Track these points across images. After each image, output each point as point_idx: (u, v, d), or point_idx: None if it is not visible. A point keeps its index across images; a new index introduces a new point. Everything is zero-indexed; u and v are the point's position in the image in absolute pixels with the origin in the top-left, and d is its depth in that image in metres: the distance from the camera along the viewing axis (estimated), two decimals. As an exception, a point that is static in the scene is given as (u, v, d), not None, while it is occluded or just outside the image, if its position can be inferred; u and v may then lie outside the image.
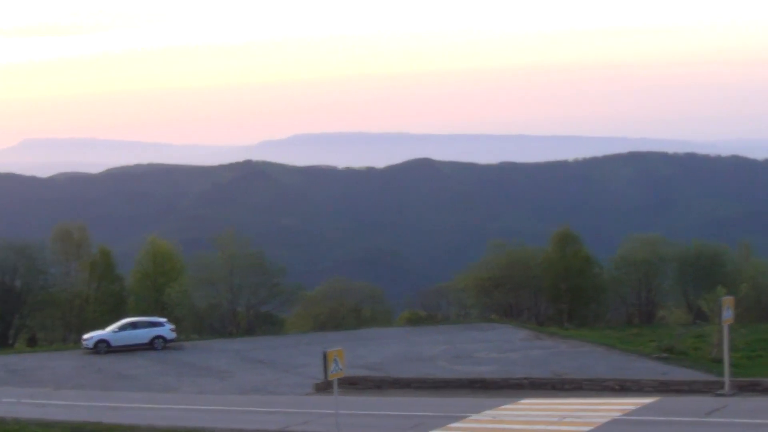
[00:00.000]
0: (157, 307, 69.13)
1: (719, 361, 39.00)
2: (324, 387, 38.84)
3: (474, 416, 30.65)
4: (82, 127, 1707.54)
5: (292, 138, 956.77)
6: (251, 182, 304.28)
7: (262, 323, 73.14)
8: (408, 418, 30.96)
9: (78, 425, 32.14)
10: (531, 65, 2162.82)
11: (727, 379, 33.44)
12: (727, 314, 33.01)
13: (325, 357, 26.31)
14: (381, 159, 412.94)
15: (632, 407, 30.77)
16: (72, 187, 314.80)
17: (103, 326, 61.70)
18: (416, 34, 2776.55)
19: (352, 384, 39.72)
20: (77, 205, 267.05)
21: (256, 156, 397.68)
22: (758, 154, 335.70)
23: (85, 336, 59.08)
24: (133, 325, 59.05)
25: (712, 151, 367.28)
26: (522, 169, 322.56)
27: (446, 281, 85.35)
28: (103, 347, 57.26)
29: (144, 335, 58.29)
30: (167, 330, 58.78)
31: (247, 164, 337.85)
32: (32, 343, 73.43)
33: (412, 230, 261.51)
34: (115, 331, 58.42)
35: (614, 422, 28.53)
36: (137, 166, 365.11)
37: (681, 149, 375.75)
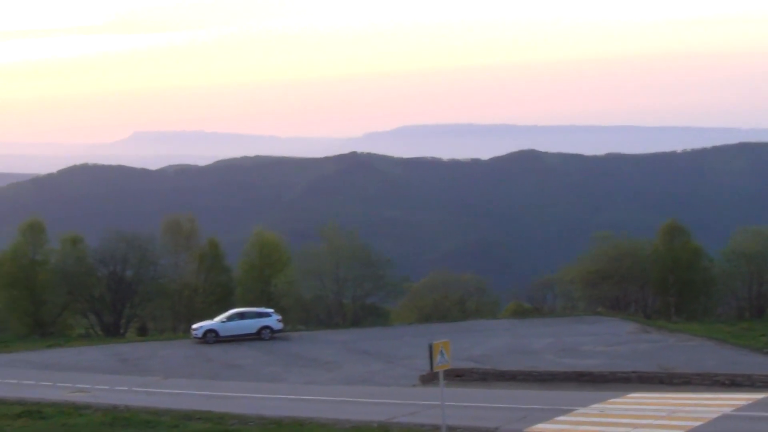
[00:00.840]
0: (264, 297, 69.91)
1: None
2: (430, 378, 38.88)
3: (581, 410, 30.38)
4: (190, 120, 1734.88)
5: (398, 130, 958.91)
6: (356, 174, 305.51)
7: (367, 315, 73.48)
8: (514, 411, 30.81)
9: (188, 413, 32.63)
10: (639, 54, 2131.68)
11: (842, 375, 32.63)
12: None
13: (431, 349, 26.30)
14: (486, 150, 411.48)
15: (744, 402, 30.19)
16: (181, 179, 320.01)
17: (211, 316, 62.65)
18: (524, 23, 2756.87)
19: (458, 376, 39.71)
20: (186, 196, 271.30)
21: (362, 148, 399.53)
22: None
23: (194, 326, 60.05)
24: (241, 316, 59.82)
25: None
26: (629, 161, 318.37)
27: (552, 273, 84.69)
28: (211, 337, 58.14)
29: (252, 326, 59.02)
30: (274, 321, 59.43)
31: (353, 156, 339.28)
32: (143, 333, 74.96)
33: (517, 222, 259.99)
34: (224, 322, 59.25)
35: (725, 418, 28.02)
36: (244, 158, 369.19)
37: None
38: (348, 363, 49.33)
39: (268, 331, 58.80)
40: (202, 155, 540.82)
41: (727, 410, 29.00)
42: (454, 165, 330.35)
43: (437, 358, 26.32)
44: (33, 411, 32.50)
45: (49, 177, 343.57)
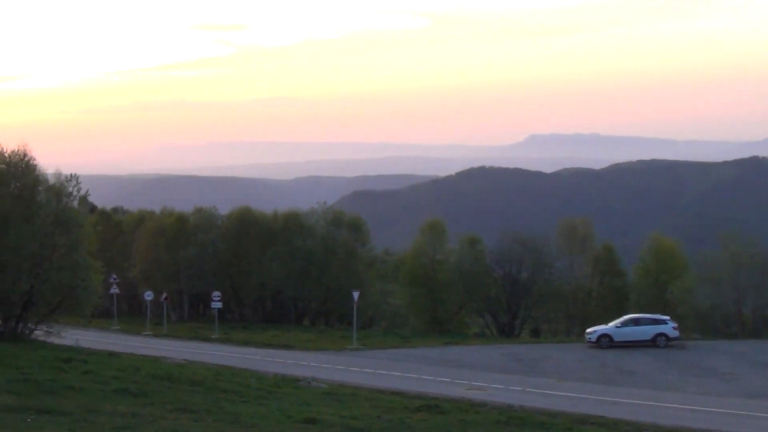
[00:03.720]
0: (660, 304, 68.44)
1: None
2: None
3: None
4: (586, 123, 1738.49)
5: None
6: (757, 179, 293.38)
7: (768, 325, 70.10)
8: None
9: (581, 417, 32.51)
10: None
11: None
12: None
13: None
14: None
15: None
16: (575, 182, 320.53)
17: (604, 321, 62.20)
18: None
19: None
20: (580, 199, 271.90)
21: (764, 152, 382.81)
22: None
23: (589, 330, 59.86)
24: (636, 322, 58.94)
25: None
26: None
27: None
28: (605, 342, 57.69)
29: (646, 332, 58.01)
30: (670, 328, 58.09)
31: (753, 160, 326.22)
32: (536, 334, 75.70)
33: None
34: (618, 327, 58.61)
35: None
36: (639, 162, 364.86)
37: None
38: (748, 375, 47.30)
39: (663, 338, 57.58)
40: (598, 158, 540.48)
41: None
42: None
43: None
44: (432, 405, 33.45)
45: (448, 179, 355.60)
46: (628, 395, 39.81)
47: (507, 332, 74.96)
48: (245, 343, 62.20)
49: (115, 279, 74.44)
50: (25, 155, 48.91)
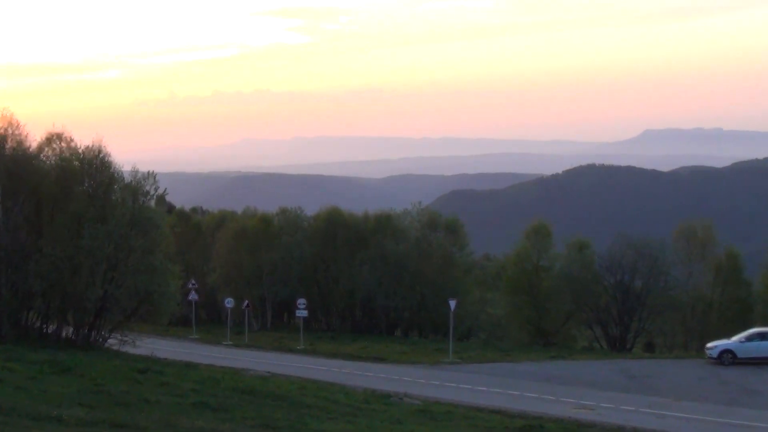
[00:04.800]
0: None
1: None
2: None
3: None
4: (708, 117, 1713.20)
5: None
6: None
7: None
8: None
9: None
10: None
11: None
12: None
13: None
14: None
15: None
16: (695, 182, 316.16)
17: (727, 335, 61.16)
18: None
19: None
20: (700, 200, 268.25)
21: None
22: None
23: (709, 345, 58.92)
24: (762, 336, 57.86)
25: None
26: None
27: None
28: (728, 358, 56.74)
29: (773, 348, 57.01)
30: (806, 344, 56.97)
31: None
32: (650, 349, 74.74)
33: None
34: (742, 341, 57.63)
35: None
36: (766, 160, 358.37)
37: None
38: None
39: (791, 355, 56.53)
40: (720, 156, 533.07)
41: None
42: None
43: None
44: (535, 425, 33.27)
45: (554, 177, 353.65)
46: (753, 418, 39.14)
47: (618, 346, 74.12)
48: (332, 355, 62.44)
49: (193, 284, 75.34)
50: (99, 151, 49.86)
